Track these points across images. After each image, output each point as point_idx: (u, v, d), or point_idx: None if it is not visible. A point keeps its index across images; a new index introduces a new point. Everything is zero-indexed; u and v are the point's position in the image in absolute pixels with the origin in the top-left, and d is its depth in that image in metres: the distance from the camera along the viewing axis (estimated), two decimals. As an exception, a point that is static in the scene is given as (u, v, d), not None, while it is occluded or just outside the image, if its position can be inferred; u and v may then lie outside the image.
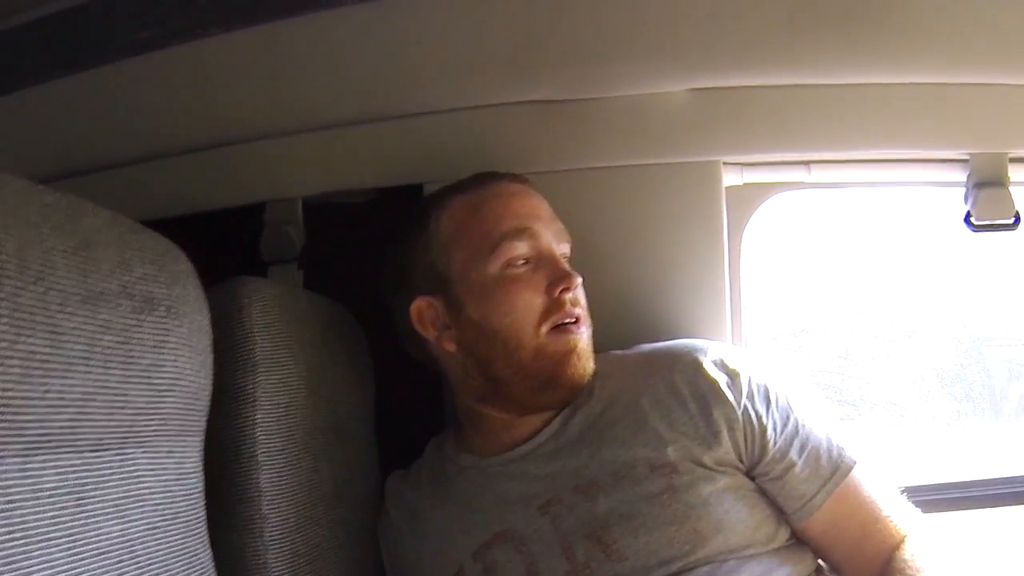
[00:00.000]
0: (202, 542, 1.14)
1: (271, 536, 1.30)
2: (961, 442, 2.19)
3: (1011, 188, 1.74)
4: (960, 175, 1.76)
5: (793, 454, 1.41)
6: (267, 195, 1.90)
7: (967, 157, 1.75)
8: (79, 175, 1.95)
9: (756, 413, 1.42)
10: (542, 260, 1.46)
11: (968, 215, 1.76)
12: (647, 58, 1.68)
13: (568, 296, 1.44)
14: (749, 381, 1.44)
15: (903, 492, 1.56)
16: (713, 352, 1.48)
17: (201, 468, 1.16)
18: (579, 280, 1.45)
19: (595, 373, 1.51)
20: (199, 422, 1.13)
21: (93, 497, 0.94)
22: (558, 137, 1.77)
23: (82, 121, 1.87)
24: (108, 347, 0.94)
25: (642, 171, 1.77)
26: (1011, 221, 1.75)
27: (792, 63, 1.66)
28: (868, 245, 2.19)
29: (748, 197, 1.85)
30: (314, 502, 1.41)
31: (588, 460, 1.43)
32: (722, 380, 1.43)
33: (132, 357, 0.98)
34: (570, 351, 1.44)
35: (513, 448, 1.50)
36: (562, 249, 1.50)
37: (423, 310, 1.50)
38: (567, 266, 1.48)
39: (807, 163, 1.82)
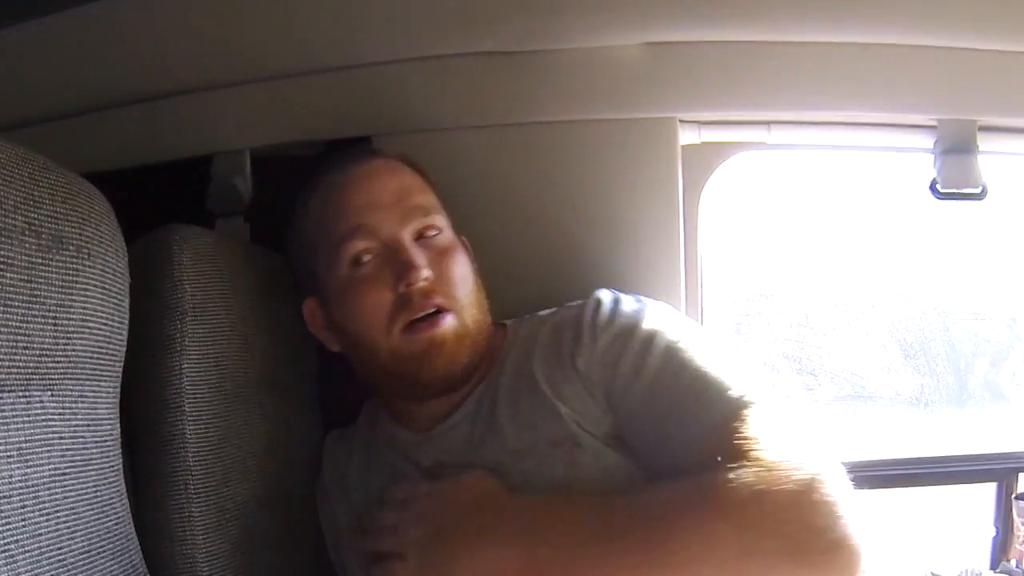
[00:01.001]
0: (117, 491, 1.11)
1: (195, 489, 1.27)
2: (924, 418, 2.19)
3: (980, 157, 1.72)
4: (927, 141, 1.75)
5: (655, 395, 1.30)
6: (214, 147, 1.87)
7: (935, 123, 1.73)
8: (21, 127, 1.90)
9: (612, 364, 1.32)
10: (387, 252, 1.37)
11: (934, 182, 1.74)
12: (600, 9, 1.65)
13: (415, 289, 1.34)
14: (616, 326, 1.35)
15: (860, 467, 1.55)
16: (598, 304, 1.39)
17: (117, 415, 1.12)
18: (423, 273, 1.34)
19: (509, 342, 1.46)
20: (113, 367, 1.10)
21: None
22: (508, 90, 1.73)
23: (23, 72, 1.84)
24: (9, 284, 0.90)
25: (595, 127, 1.73)
26: (978, 190, 1.73)
27: (753, 17, 1.64)
28: (831, 211, 2.16)
29: (705, 157, 1.81)
30: (244, 456, 1.38)
31: (495, 441, 1.37)
32: (589, 331, 1.36)
33: (36, 296, 0.94)
34: (428, 349, 1.35)
35: (434, 427, 1.45)
36: (418, 226, 1.40)
37: (312, 311, 1.48)
38: (411, 254, 1.36)
39: (767, 123, 1.79)
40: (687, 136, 1.76)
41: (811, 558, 1.09)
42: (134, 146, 1.90)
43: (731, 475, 1.12)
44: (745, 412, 1.21)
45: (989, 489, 2.04)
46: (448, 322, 1.35)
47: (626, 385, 1.30)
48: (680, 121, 1.74)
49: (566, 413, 1.32)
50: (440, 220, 1.42)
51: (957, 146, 1.71)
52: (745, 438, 1.18)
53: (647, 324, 1.33)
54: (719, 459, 1.16)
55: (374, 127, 1.78)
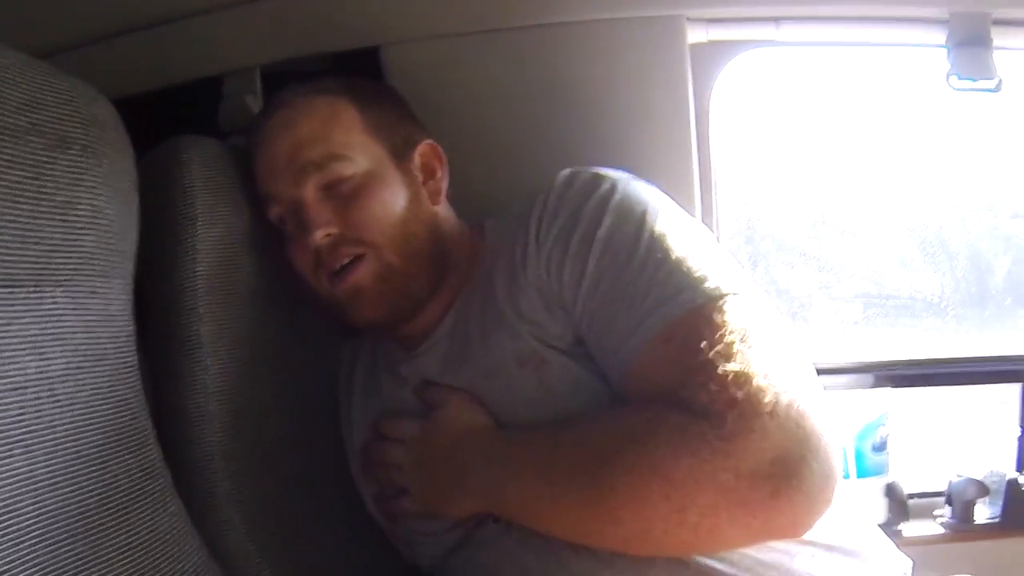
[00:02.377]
0: (133, 388, 1.13)
1: (213, 388, 1.30)
2: (944, 318, 2.18)
3: (994, 51, 1.69)
4: (940, 35, 1.72)
5: (602, 298, 1.22)
6: (224, 67, 1.88)
7: (947, 16, 1.70)
8: (41, 55, 1.91)
9: (557, 261, 1.27)
10: (294, 210, 1.36)
11: (949, 76, 1.71)
12: None
13: (320, 248, 1.34)
14: (561, 217, 1.28)
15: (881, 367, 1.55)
16: (546, 199, 1.32)
17: (130, 313, 1.14)
18: (318, 234, 1.32)
19: (486, 246, 1.44)
20: (124, 264, 1.12)
21: (7, 333, 0.93)
22: None
23: (29, 3, 1.83)
24: (16, 181, 0.93)
25: (601, 26, 1.72)
26: (993, 84, 1.71)
27: None
28: (845, 108, 2.15)
29: (714, 55, 1.80)
30: (258, 358, 1.41)
31: (469, 361, 1.36)
32: (535, 230, 1.30)
33: (44, 193, 0.97)
34: (351, 297, 1.35)
35: (418, 345, 1.44)
36: (320, 180, 1.36)
37: None
38: (309, 213, 1.34)
39: (776, 19, 1.76)
40: (695, 35, 1.75)
41: (750, 508, 1.05)
42: (145, 71, 1.91)
43: (660, 419, 1.09)
44: (692, 317, 1.13)
45: (1014, 390, 2.02)
46: (363, 269, 1.35)
47: (572, 292, 1.25)
48: (687, 19, 1.72)
49: (527, 330, 1.28)
50: (342, 166, 1.36)
51: (970, 39, 1.68)
52: (684, 359, 1.10)
53: (589, 216, 1.26)
54: (658, 383, 1.13)
55: (381, 36, 1.77)
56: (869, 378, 1.98)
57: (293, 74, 1.82)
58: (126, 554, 1.06)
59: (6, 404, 0.92)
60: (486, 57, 1.75)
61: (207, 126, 1.84)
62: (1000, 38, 1.69)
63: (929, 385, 2.03)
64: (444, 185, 1.48)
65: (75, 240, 1.01)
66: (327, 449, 1.56)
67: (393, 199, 1.38)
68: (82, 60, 1.89)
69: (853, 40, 1.84)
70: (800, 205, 2.18)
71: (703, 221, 1.74)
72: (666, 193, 1.40)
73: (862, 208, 2.16)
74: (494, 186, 1.60)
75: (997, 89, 1.71)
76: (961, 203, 2.18)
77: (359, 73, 1.65)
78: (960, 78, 1.71)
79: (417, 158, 1.45)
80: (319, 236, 1.32)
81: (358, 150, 1.38)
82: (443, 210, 1.47)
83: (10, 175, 0.92)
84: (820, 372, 1.81)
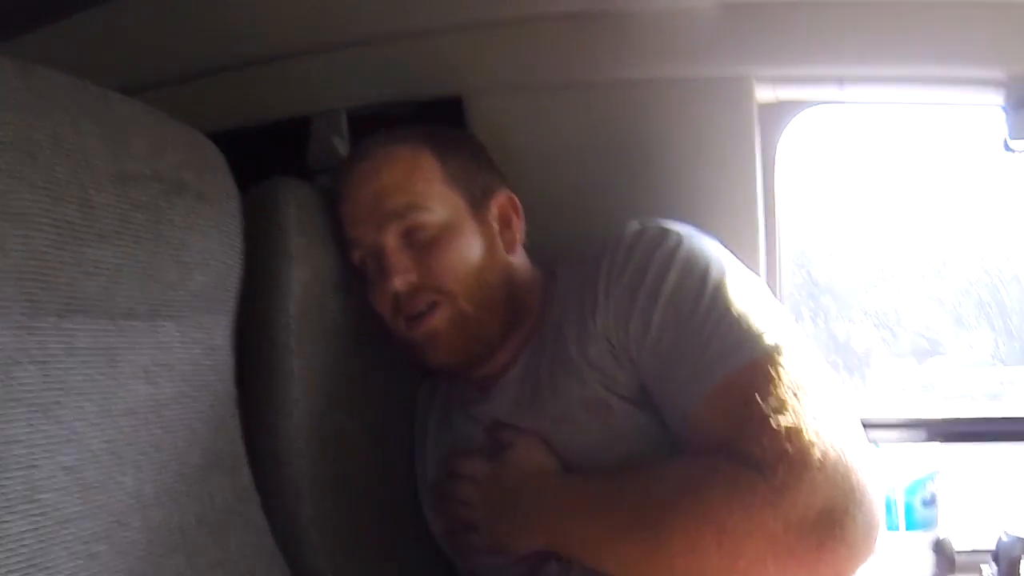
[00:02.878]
0: (231, 414, 1.23)
1: (301, 418, 1.38)
2: (998, 375, 2.17)
3: None
4: (998, 97, 1.73)
5: (666, 350, 1.27)
6: (313, 108, 1.95)
7: (1004, 78, 1.71)
8: (134, 91, 2.01)
9: (624, 314, 1.31)
10: (376, 256, 1.44)
11: (1006, 137, 1.73)
12: None
13: (400, 296, 1.41)
14: (629, 270, 1.33)
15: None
16: (615, 250, 1.36)
17: (230, 345, 1.25)
18: (396, 281, 1.39)
19: (557, 292, 1.48)
20: (228, 301, 1.22)
21: (125, 361, 1.03)
22: (590, 50, 1.78)
23: (135, 39, 1.94)
24: (139, 224, 1.03)
25: (674, 85, 1.77)
26: None
27: None
28: (906, 166, 2.17)
29: (781, 113, 1.84)
30: (344, 392, 1.48)
31: (538, 405, 1.42)
32: (604, 282, 1.35)
33: (162, 234, 1.06)
34: (426, 341, 1.42)
35: (491, 386, 1.50)
36: (399, 227, 1.43)
37: None
38: (390, 261, 1.41)
39: (840, 79, 1.80)
40: (763, 93, 1.80)
41: (797, 557, 1.08)
42: (239, 108, 2.00)
43: (715, 470, 1.14)
44: (749, 371, 1.18)
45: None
46: (439, 315, 1.41)
47: (638, 345, 1.29)
48: (756, 79, 1.77)
49: (594, 376, 1.33)
50: (422, 215, 1.43)
51: None
52: (739, 412, 1.15)
53: (655, 271, 1.30)
54: (715, 434, 1.18)
55: (462, 87, 1.85)
56: (922, 433, 1.98)
57: (379, 117, 1.92)
58: (218, 570, 1.15)
59: (120, 426, 1.02)
60: (564, 109, 1.81)
61: (296, 162, 1.94)
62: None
63: (980, 441, 2.01)
64: (520, 235, 1.55)
65: (187, 278, 1.11)
66: (402, 480, 1.63)
67: (469, 249, 1.44)
68: (181, 94, 2.00)
69: (913, 100, 1.86)
70: (860, 261, 2.21)
71: (767, 275, 1.80)
72: (732, 248, 1.45)
73: (920, 265, 2.18)
74: (568, 235, 1.63)
75: None
76: (1016, 261, 2.18)
77: (442, 119, 1.72)
78: (1017, 140, 1.72)
79: (494, 208, 1.52)
80: (398, 283, 1.39)
81: (437, 200, 1.44)
82: (517, 259, 1.53)
83: (135, 217, 1.02)
84: (874, 426, 1.87)
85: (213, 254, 1.15)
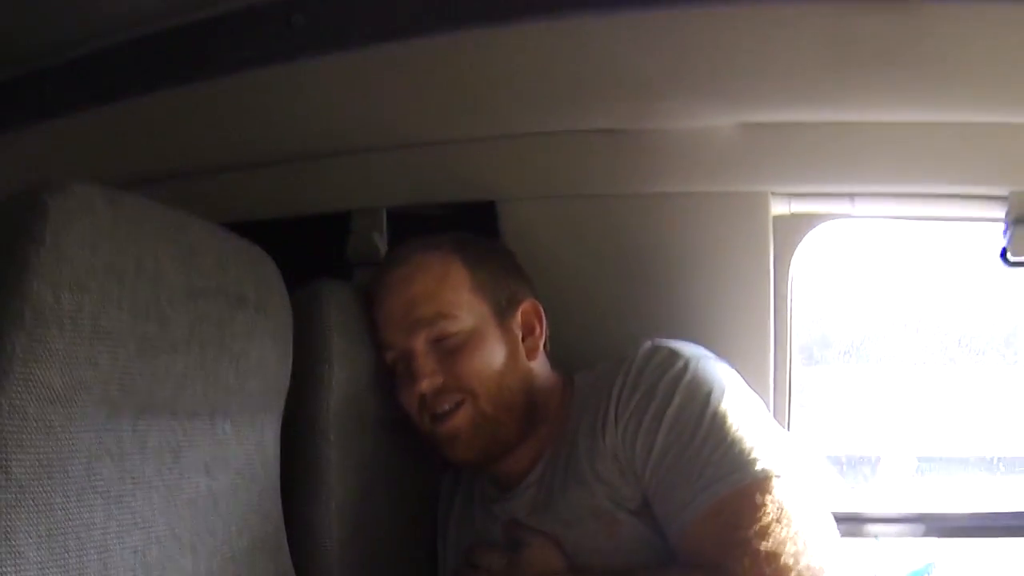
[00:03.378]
0: (275, 504, 1.35)
1: (336, 506, 1.50)
2: (998, 476, 2.25)
3: None
4: (999, 212, 1.83)
5: (666, 471, 1.39)
6: (354, 204, 2.08)
7: (1006, 195, 1.81)
8: (186, 176, 2.16)
9: (632, 434, 1.43)
10: (405, 358, 1.55)
11: (1004, 251, 1.83)
12: (700, 94, 1.77)
13: (427, 396, 1.52)
14: (639, 393, 1.44)
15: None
16: (627, 373, 1.48)
17: (278, 441, 1.37)
18: (424, 384, 1.50)
19: (575, 399, 1.59)
20: (278, 402, 1.35)
21: (187, 456, 1.16)
22: (618, 164, 1.89)
23: (188, 129, 2.04)
24: (205, 335, 1.15)
25: (693, 199, 1.88)
26: None
27: (836, 101, 1.74)
28: (911, 274, 2.26)
29: (795, 226, 1.93)
30: (376, 483, 1.60)
31: (552, 509, 1.52)
32: (615, 402, 1.46)
33: (224, 344, 1.19)
34: (448, 439, 1.53)
35: (511, 487, 1.60)
36: (429, 334, 1.54)
37: None
38: (418, 363, 1.52)
39: (852, 195, 1.90)
40: (778, 207, 1.90)
41: None
42: (285, 200, 2.14)
43: None
44: (737, 496, 1.31)
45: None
46: (461, 415, 1.52)
47: (642, 463, 1.40)
48: (771, 194, 1.87)
49: (602, 490, 1.45)
50: (448, 324, 1.53)
51: None
52: (726, 534, 1.28)
53: (662, 395, 1.41)
54: (704, 551, 1.31)
55: (495, 193, 1.97)
56: (920, 527, 2.04)
57: (416, 216, 2.04)
58: (260, 644, 1.27)
59: (181, 514, 1.14)
60: (590, 219, 1.93)
61: (336, 253, 2.08)
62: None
63: (977, 536, 2.07)
64: (542, 342, 1.65)
65: (243, 382, 1.24)
66: (425, 563, 1.75)
67: (492, 356, 1.55)
68: (227, 183, 2.15)
69: (920, 215, 1.96)
70: (863, 364, 2.29)
71: (775, 383, 1.89)
72: (744, 353, 1.64)
73: (921, 367, 2.26)
74: (588, 340, 1.76)
75: None
76: (1014, 364, 2.25)
77: (476, 220, 1.87)
78: (1015, 255, 1.82)
79: (519, 316, 1.62)
80: (424, 385, 1.51)
81: (464, 308, 1.55)
82: (538, 364, 1.63)
83: (202, 329, 1.14)
84: (875, 520, 1.95)
85: (267, 361, 1.27)
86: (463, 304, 1.56)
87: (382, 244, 2.06)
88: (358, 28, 1.73)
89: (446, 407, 1.52)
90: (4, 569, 0.92)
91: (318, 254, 2.02)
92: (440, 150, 1.98)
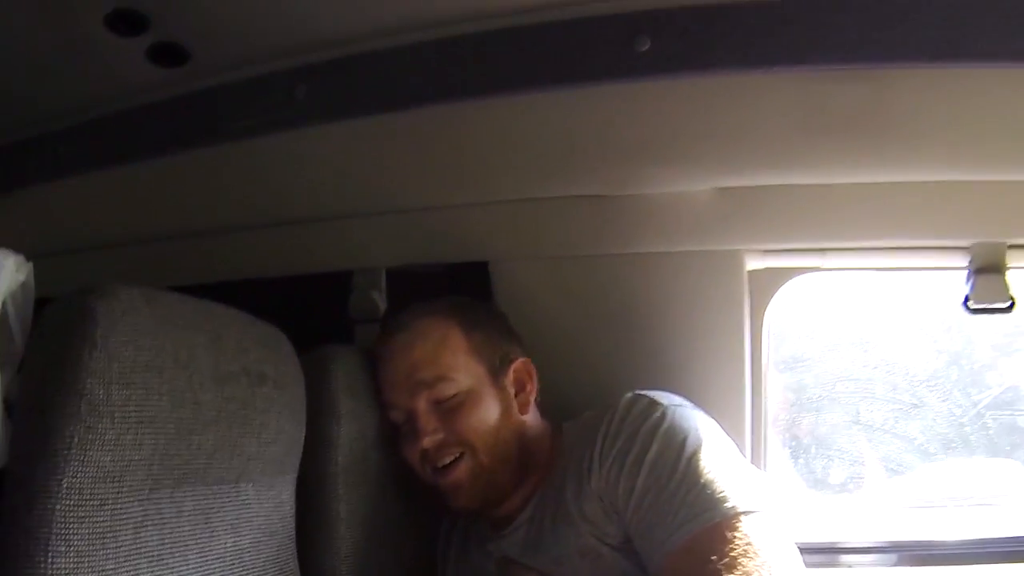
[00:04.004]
0: (292, 555, 1.50)
1: (345, 554, 1.61)
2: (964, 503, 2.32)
3: (1010, 273, 1.90)
4: (962, 261, 1.94)
5: (645, 510, 1.48)
6: (355, 264, 2.20)
7: (968, 245, 1.92)
8: (201, 235, 2.29)
9: (614, 478, 1.53)
10: (408, 418, 1.67)
11: (967, 298, 1.93)
12: (679, 161, 1.89)
13: (428, 451, 1.64)
14: (620, 440, 1.55)
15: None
16: (609, 423, 1.59)
17: (293, 499, 1.52)
18: (425, 441, 1.63)
19: (563, 447, 1.70)
20: (294, 464, 1.49)
21: (216, 518, 1.31)
22: (603, 226, 2.00)
23: (196, 191, 2.18)
24: (231, 411, 1.31)
25: (673, 257, 1.98)
26: (1006, 305, 1.91)
27: (807, 164, 1.85)
28: (879, 322, 2.36)
29: (769, 280, 2.03)
30: (383, 532, 1.71)
31: (542, 548, 1.62)
32: (599, 448, 1.56)
33: (248, 418, 1.34)
34: (449, 489, 1.65)
35: (504, 527, 1.71)
36: (430, 396, 1.66)
37: None
38: (420, 422, 1.64)
39: (822, 250, 2.00)
40: (752, 262, 2.00)
41: None
42: (290, 259, 2.25)
43: None
44: (709, 533, 1.40)
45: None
46: (462, 467, 1.64)
47: (624, 503, 1.50)
48: (746, 251, 1.98)
49: (587, 528, 1.55)
50: (447, 387, 1.66)
51: (988, 265, 1.88)
52: (699, 568, 1.37)
53: (641, 442, 1.52)
54: None
55: (488, 254, 2.08)
56: (893, 557, 2.14)
57: (414, 275, 2.16)
58: None
59: (212, 569, 1.30)
60: (576, 278, 2.03)
61: (338, 308, 2.19)
62: (1015, 260, 1.90)
63: (948, 564, 2.14)
64: (532, 397, 1.78)
65: (264, 450, 1.38)
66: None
67: (487, 413, 1.67)
68: (234, 242, 2.27)
69: (887, 266, 2.06)
70: (835, 405, 2.40)
71: (752, 426, 1.99)
72: (722, 401, 1.77)
73: (892, 407, 2.36)
74: (575, 390, 1.86)
75: (1010, 309, 1.89)
76: (983, 401, 2.32)
77: (470, 279, 2.00)
78: (976, 302, 1.92)
79: (511, 374, 1.74)
80: (426, 442, 1.63)
81: (462, 371, 1.67)
82: (530, 417, 1.74)
83: (227, 408, 1.30)
84: (850, 551, 2.05)
85: (284, 430, 1.42)
86: (460, 367, 1.68)
87: (381, 302, 2.17)
88: (358, 99, 1.86)
89: (447, 460, 1.63)
90: (68, 631, 1.06)
91: (323, 311, 2.12)
92: (436, 214, 2.10)
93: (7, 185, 2.25)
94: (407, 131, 1.90)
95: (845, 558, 2.14)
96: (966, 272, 1.92)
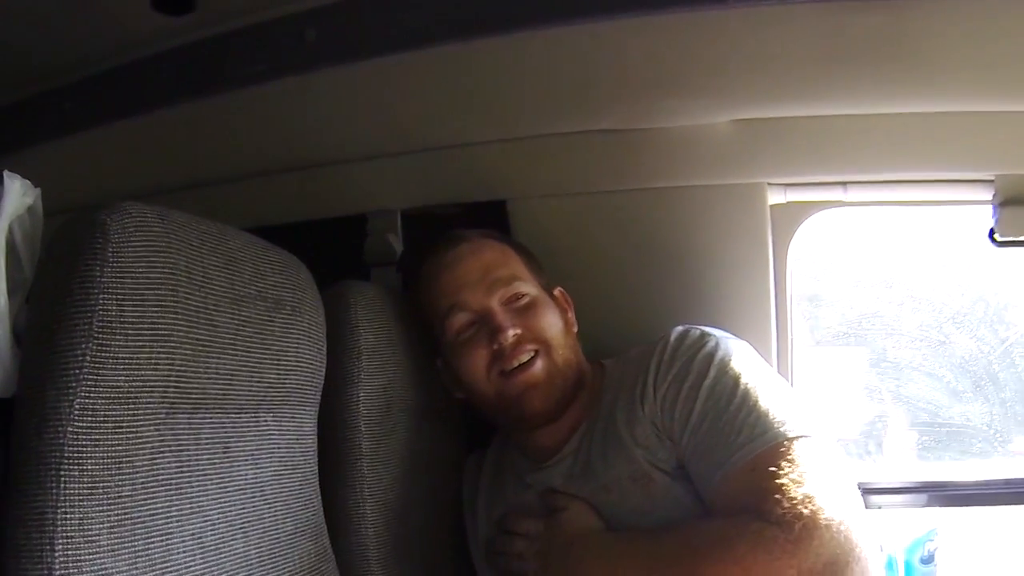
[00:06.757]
0: (314, 490, 1.46)
1: (369, 491, 1.60)
2: (994, 443, 2.30)
3: None
4: (986, 194, 1.91)
5: (705, 433, 1.49)
6: (371, 207, 2.18)
7: (992, 178, 1.89)
8: (207, 185, 2.27)
9: (670, 403, 1.54)
10: (481, 319, 1.65)
11: (992, 231, 1.91)
12: (697, 93, 1.86)
13: (506, 346, 1.62)
14: (675, 367, 1.56)
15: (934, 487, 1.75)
16: (663, 350, 1.60)
17: (315, 433, 1.48)
18: (510, 332, 1.62)
19: (607, 382, 1.71)
20: (315, 396, 1.45)
21: (236, 448, 1.27)
22: (621, 161, 1.98)
23: (208, 139, 2.15)
24: (249, 336, 1.27)
25: (693, 192, 1.97)
26: None
27: (827, 95, 1.82)
28: (905, 257, 2.34)
29: (792, 214, 2.02)
30: (405, 468, 1.70)
31: (589, 476, 1.63)
32: (653, 376, 1.58)
33: (266, 344, 1.30)
34: (523, 391, 1.63)
35: (546, 459, 1.71)
36: (504, 294, 1.68)
37: (440, 368, 1.77)
38: (500, 318, 1.64)
39: (844, 184, 1.98)
40: (774, 197, 1.98)
41: None
42: (305, 204, 2.24)
43: (743, 525, 1.35)
44: (772, 452, 1.40)
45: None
46: (539, 366, 1.64)
47: (680, 427, 1.51)
48: (768, 184, 1.96)
49: (640, 453, 1.56)
50: (521, 285, 1.69)
51: (1013, 198, 1.87)
52: (765, 483, 1.37)
53: (697, 369, 1.53)
54: (743, 501, 1.40)
55: (505, 192, 2.06)
56: (923, 497, 2.14)
57: (430, 218, 2.13)
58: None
59: (233, 501, 1.26)
60: (595, 215, 2.02)
61: (354, 252, 2.18)
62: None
63: (976, 504, 2.15)
64: (573, 324, 1.79)
65: (284, 379, 1.34)
66: (450, 537, 1.85)
67: (555, 317, 1.70)
68: (250, 189, 2.26)
69: (911, 200, 2.04)
70: (862, 342, 2.37)
71: (778, 362, 1.98)
72: (747, 336, 1.68)
73: (920, 344, 2.34)
74: (598, 329, 1.84)
75: None
76: (1009, 338, 2.32)
77: (487, 218, 1.96)
78: (1003, 235, 1.90)
79: (558, 296, 1.78)
80: (511, 335, 1.62)
81: (527, 279, 1.71)
82: (576, 343, 1.75)
83: (244, 332, 1.26)
84: (879, 491, 2.03)
85: (304, 358, 1.38)
86: (525, 275, 1.72)
87: (397, 245, 2.16)
88: (368, 40, 1.82)
89: (524, 358, 1.63)
90: (80, 555, 1.03)
91: (339, 256, 2.09)
92: (451, 153, 2.07)
93: (14, 144, 2.21)
94: (419, 71, 1.86)
95: (875, 499, 2.12)
96: (991, 206, 1.89)
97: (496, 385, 1.65)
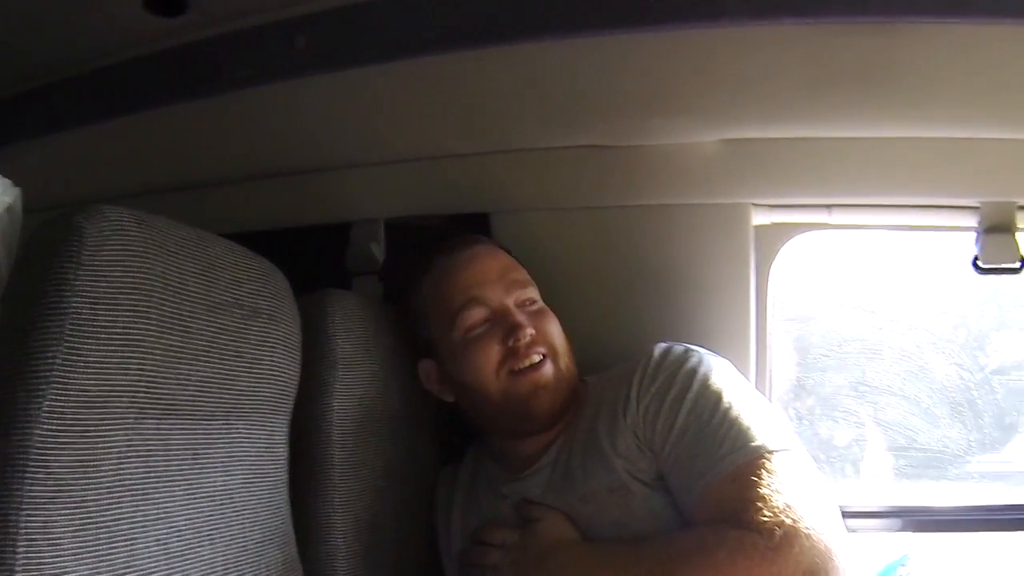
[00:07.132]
0: (284, 499, 1.45)
1: (339, 501, 1.59)
2: (970, 468, 2.30)
3: (1020, 234, 1.89)
4: (971, 221, 1.92)
5: (687, 445, 1.50)
6: (354, 215, 2.17)
7: (978, 205, 1.90)
8: (191, 188, 2.26)
9: (652, 414, 1.56)
10: (496, 317, 1.66)
11: (976, 259, 1.92)
12: (685, 112, 1.87)
13: (521, 344, 1.63)
14: (659, 380, 1.58)
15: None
16: (646, 365, 1.62)
17: (287, 441, 1.47)
18: (528, 331, 1.63)
19: (588, 397, 1.72)
20: (287, 405, 1.45)
21: (205, 454, 1.26)
22: (606, 178, 1.98)
23: (194, 142, 2.14)
24: (224, 343, 1.26)
25: (678, 210, 1.97)
26: (1016, 265, 1.90)
27: (814, 117, 1.83)
28: (886, 282, 2.33)
29: (775, 235, 2.03)
30: (377, 478, 1.69)
31: (568, 487, 1.63)
32: (636, 389, 1.59)
33: (240, 352, 1.30)
34: (534, 390, 1.64)
35: (523, 470, 1.71)
36: (519, 297, 1.70)
37: (427, 371, 1.77)
38: (518, 316, 1.66)
39: (829, 207, 1.99)
40: (759, 218, 1.98)
41: None
42: (287, 211, 2.22)
43: (723, 533, 1.37)
44: (753, 463, 1.42)
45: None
46: (548, 367, 1.65)
47: (662, 439, 1.53)
48: (753, 205, 1.96)
49: (619, 463, 1.56)
50: (534, 292, 1.72)
51: (997, 225, 1.88)
52: (746, 492, 1.39)
53: (680, 382, 1.56)
54: (723, 510, 1.41)
55: (489, 205, 2.06)
56: (897, 522, 2.13)
57: (413, 226, 2.13)
58: (269, 629, 1.37)
59: (200, 507, 1.25)
60: (578, 230, 2.02)
61: (335, 261, 2.16)
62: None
63: (950, 531, 2.15)
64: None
65: (257, 387, 1.34)
66: (421, 549, 1.85)
67: (559, 327, 1.72)
68: (232, 194, 2.24)
69: (896, 224, 2.05)
70: (842, 365, 2.37)
71: (757, 381, 1.98)
72: (727, 354, 1.69)
73: (897, 369, 2.33)
74: (582, 345, 1.79)
75: (1020, 270, 1.89)
76: (988, 365, 2.32)
77: (470, 230, 1.92)
78: (986, 262, 1.91)
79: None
80: (528, 332, 1.64)
81: (535, 288, 1.74)
82: None
83: (220, 339, 1.25)
84: (853, 515, 2.03)
85: (279, 366, 1.38)
86: (534, 284, 1.75)
87: (379, 254, 2.15)
88: (358, 48, 1.82)
89: (535, 359, 1.64)
90: (43, 558, 1.02)
91: (320, 264, 2.09)
92: (437, 164, 2.08)
93: (3, 139, 2.18)
94: (407, 81, 1.86)
95: (849, 522, 2.10)
96: (975, 233, 1.90)
97: (504, 383, 1.65)
